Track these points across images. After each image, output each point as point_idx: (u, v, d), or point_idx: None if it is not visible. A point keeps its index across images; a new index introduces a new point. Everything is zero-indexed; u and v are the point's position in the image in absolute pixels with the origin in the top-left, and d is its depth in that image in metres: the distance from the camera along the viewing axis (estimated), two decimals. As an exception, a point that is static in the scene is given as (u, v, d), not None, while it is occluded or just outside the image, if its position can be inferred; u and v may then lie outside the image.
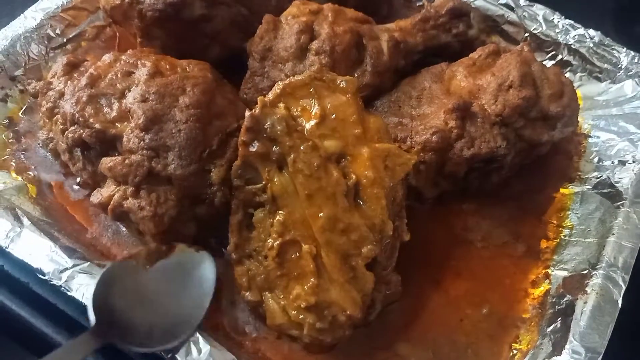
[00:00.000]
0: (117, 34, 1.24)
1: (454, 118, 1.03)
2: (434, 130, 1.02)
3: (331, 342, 0.87)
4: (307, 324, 0.85)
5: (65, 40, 1.24)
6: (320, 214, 0.84)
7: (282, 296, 0.87)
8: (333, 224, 0.85)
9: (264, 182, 0.87)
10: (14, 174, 1.08)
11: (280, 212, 0.86)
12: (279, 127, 0.86)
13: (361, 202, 0.87)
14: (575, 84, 1.23)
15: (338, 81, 0.91)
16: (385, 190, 0.88)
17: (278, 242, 0.85)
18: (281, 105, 0.88)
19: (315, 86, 0.90)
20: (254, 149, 0.86)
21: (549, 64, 1.28)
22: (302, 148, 0.86)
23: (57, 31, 1.23)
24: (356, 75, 1.11)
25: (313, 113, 0.88)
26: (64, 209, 1.05)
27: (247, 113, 0.87)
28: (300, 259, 0.85)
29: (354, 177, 0.86)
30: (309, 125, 0.87)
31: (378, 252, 0.86)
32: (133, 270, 0.92)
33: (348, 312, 0.84)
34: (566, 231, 1.09)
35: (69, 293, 0.89)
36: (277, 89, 0.89)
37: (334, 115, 0.88)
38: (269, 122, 0.86)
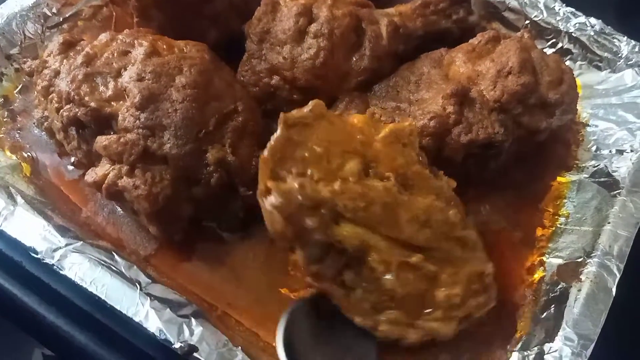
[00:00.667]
0: (114, 14, 1.22)
1: (451, 103, 1.02)
2: (432, 116, 1.02)
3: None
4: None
5: (61, 20, 1.22)
6: (401, 225, 0.85)
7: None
8: (417, 222, 0.86)
9: (338, 245, 0.85)
10: (8, 153, 1.08)
11: (370, 256, 0.85)
12: (307, 195, 0.82)
13: (413, 186, 0.88)
14: (575, 73, 1.22)
15: (298, 114, 0.87)
16: (418, 162, 0.90)
17: (390, 276, 0.85)
18: (288, 177, 0.83)
19: (290, 136, 0.86)
20: (313, 228, 0.83)
21: (549, 51, 1.27)
22: (337, 188, 0.84)
23: (54, 10, 1.22)
24: (354, 59, 1.10)
25: (313, 157, 0.85)
26: (58, 188, 1.05)
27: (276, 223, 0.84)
28: (417, 271, 0.87)
29: (391, 174, 0.87)
30: (322, 168, 0.84)
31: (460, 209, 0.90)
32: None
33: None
34: (562, 219, 1.08)
35: (61, 272, 0.88)
36: (265, 167, 0.84)
37: (329, 144, 0.86)
38: (296, 202, 0.82)
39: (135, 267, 0.92)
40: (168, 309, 0.87)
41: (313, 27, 1.08)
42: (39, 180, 1.05)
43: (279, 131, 0.84)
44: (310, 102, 0.87)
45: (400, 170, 0.88)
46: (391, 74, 1.15)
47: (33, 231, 0.91)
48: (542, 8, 1.29)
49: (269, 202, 0.82)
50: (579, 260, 1.00)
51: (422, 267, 0.87)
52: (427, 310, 0.89)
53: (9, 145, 1.09)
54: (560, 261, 1.02)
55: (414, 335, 0.88)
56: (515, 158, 1.12)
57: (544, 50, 1.26)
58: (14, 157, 1.07)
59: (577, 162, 1.15)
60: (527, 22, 1.29)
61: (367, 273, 0.86)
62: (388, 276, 0.85)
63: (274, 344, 0.92)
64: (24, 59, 1.16)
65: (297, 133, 0.85)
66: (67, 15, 1.23)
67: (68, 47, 1.04)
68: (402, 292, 0.86)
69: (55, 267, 0.89)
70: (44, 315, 0.92)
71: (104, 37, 1.03)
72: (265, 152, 0.83)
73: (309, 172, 0.83)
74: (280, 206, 0.81)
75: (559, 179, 1.14)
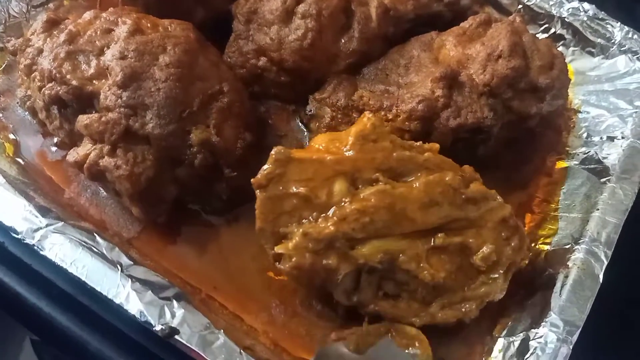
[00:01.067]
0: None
1: (440, 87, 1.00)
2: (420, 99, 1.00)
3: None
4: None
5: (46, -1, 1.20)
6: (411, 217, 0.86)
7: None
8: (423, 207, 0.87)
9: (365, 267, 0.86)
10: (-9, 132, 1.06)
11: (398, 260, 0.85)
12: (315, 240, 0.83)
13: (402, 173, 0.89)
14: (568, 59, 1.21)
15: (265, 173, 0.87)
16: (395, 148, 0.90)
17: (425, 268, 0.86)
18: (289, 233, 0.85)
19: (269, 195, 0.86)
20: (335, 265, 0.84)
21: (541, 37, 1.24)
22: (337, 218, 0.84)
23: (39, -12, 1.19)
24: (343, 41, 1.09)
25: (301, 202, 0.86)
26: (41, 169, 1.03)
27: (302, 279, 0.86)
28: (445, 250, 0.88)
29: (377, 174, 0.88)
30: (314, 206, 0.86)
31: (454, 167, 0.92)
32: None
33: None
34: (552, 206, 1.08)
35: (41, 252, 0.87)
36: (265, 236, 0.86)
37: (308, 181, 0.87)
38: (308, 252, 0.83)
39: (117, 248, 0.91)
40: (149, 291, 0.86)
41: (301, 8, 1.06)
42: (22, 160, 1.04)
43: (257, 198, 0.85)
44: (272, 151, 0.87)
45: (383, 166, 0.88)
46: (381, 56, 1.13)
47: (14, 211, 0.90)
48: (536, -8, 1.27)
49: (286, 266, 0.83)
50: (567, 246, 0.99)
51: (449, 244, 0.88)
52: (473, 280, 0.89)
53: (-8, 125, 1.07)
54: (547, 247, 1.01)
55: (472, 307, 0.89)
56: (505, 143, 1.10)
57: (537, 35, 1.25)
58: (-4, 136, 1.05)
59: (567, 148, 1.14)
60: (520, 6, 1.28)
61: (403, 276, 0.86)
62: (423, 269, 0.85)
63: (258, 328, 0.92)
64: (8, 38, 1.14)
65: (274, 188, 0.86)
66: (51, -4, 1.21)
67: (52, 25, 1.02)
68: (442, 276, 0.87)
69: (35, 247, 0.87)
70: (25, 296, 0.91)
71: (87, 15, 1.01)
72: (257, 223, 0.85)
73: (304, 218, 0.85)
74: (297, 264, 0.83)
75: (549, 165, 1.13)
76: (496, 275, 0.90)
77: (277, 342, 0.92)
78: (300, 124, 1.13)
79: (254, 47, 1.08)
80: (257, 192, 0.85)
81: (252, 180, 0.85)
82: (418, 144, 0.93)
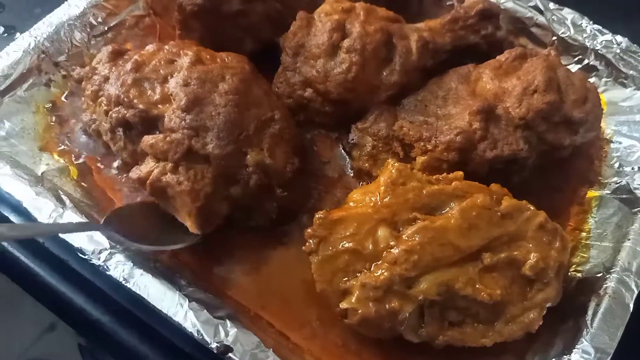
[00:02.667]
0: (158, 25, 1.28)
1: (478, 120, 1.06)
2: (458, 131, 1.06)
3: None
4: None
5: (106, 29, 1.28)
6: (456, 245, 0.92)
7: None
8: (464, 233, 0.92)
9: (426, 302, 0.91)
10: (56, 156, 1.14)
11: (455, 287, 0.90)
12: (374, 288, 0.90)
13: (436, 207, 0.96)
14: (600, 89, 1.25)
15: (312, 244, 0.95)
16: (425, 185, 0.97)
17: (481, 289, 0.91)
18: (349, 287, 0.92)
19: (322, 258, 0.94)
20: (398, 307, 0.90)
21: (575, 68, 1.30)
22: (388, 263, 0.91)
23: (99, 19, 1.28)
24: (385, 74, 1.15)
25: (352, 256, 0.93)
26: (103, 191, 1.11)
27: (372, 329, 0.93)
28: (495, 268, 0.94)
29: (414, 214, 0.94)
30: (365, 257, 0.93)
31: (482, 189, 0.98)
32: None
33: None
34: (583, 234, 1.11)
35: (107, 272, 0.94)
36: (328, 296, 0.94)
37: (353, 236, 0.95)
38: (371, 301, 0.90)
39: (173, 268, 0.98)
40: (205, 310, 0.92)
41: (346, 43, 1.12)
42: (85, 183, 1.12)
43: (312, 263, 0.94)
44: (315, 217, 0.96)
45: (417, 204, 0.95)
46: (419, 87, 1.19)
47: (80, 233, 0.98)
48: (570, 25, 1.31)
49: (354, 320, 0.90)
50: (599, 275, 1.03)
51: (497, 261, 0.93)
52: (528, 290, 0.94)
53: (57, 149, 1.15)
54: (580, 275, 1.05)
55: (535, 316, 0.94)
56: (538, 172, 1.15)
57: (570, 66, 1.30)
58: (62, 160, 1.13)
59: (599, 177, 1.18)
60: (554, 38, 1.32)
61: (463, 302, 0.92)
62: (479, 291, 0.91)
63: (303, 346, 0.98)
64: (72, 66, 1.22)
65: (324, 250, 0.94)
66: (111, 25, 1.29)
67: (117, 55, 1.11)
68: (499, 293, 0.92)
69: (101, 267, 0.94)
70: (90, 313, 0.98)
71: (150, 47, 1.09)
72: (317, 286, 0.93)
73: (358, 271, 0.92)
74: (364, 315, 0.89)
75: (581, 193, 1.17)
76: (548, 280, 0.95)
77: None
78: (342, 151, 1.19)
79: (300, 78, 1.15)
80: (310, 257, 0.94)
81: (303, 248, 0.95)
82: (442, 176, 1.00)
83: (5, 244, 1.04)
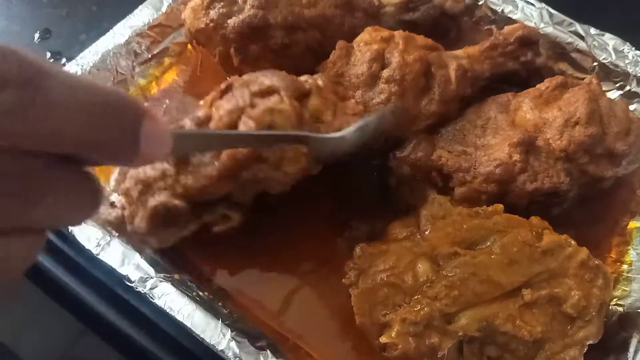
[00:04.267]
0: (200, 54, 1.31)
1: (518, 152, 1.05)
2: (498, 163, 1.06)
3: None
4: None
5: (150, 56, 1.31)
6: (497, 281, 0.92)
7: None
8: (505, 269, 0.93)
9: (465, 337, 0.92)
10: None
11: (494, 323, 0.91)
12: (414, 323, 0.90)
13: (477, 241, 0.96)
14: (642, 116, 1.24)
15: (352, 276, 0.97)
16: (464, 219, 0.98)
17: (521, 326, 0.91)
18: (388, 321, 0.92)
19: (361, 291, 0.95)
20: (438, 343, 0.90)
21: (616, 94, 1.29)
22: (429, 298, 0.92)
23: (143, 47, 1.31)
24: (423, 103, 1.15)
25: (391, 289, 0.94)
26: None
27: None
28: (536, 305, 0.93)
29: (455, 248, 0.95)
30: (404, 291, 0.94)
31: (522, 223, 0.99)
32: None
33: None
34: (625, 266, 1.10)
35: (152, 300, 0.97)
36: (367, 330, 0.95)
37: (392, 269, 0.96)
38: (411, 336, 0.90)
39: (216, 297, 1.01)
40: (246, 340, 0.94)
41: (385, 73, 1.13)
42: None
43: (352, 296, 0.95)
44: (354, 251, 0.98)
45: (457, 239, 0.95)
46: (457, 115, 1.19)
47: (128, 261, 1.01)
48: (611, 50, 1.30)
49: (393, 354, 0.91)
50: (640, 310, 1.02)
51: (537, 298, 0.93)
52: (569, 327, 0.94)
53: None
54: (621, 310, 1.04)
55: (575, 353, 0.93)
56: (578, 201, 1.14)
57: (611, 92, 1.29)
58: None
59: (641, 207, 1.17)
60: (595, 64, 1.31)
61: (502, 338, 0.92)
62: (520, 327, 0.91)
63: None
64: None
65: (364, 283, 0.95)
66: (155, 52, 1.32)
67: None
68: (539, 330, 0.91)
69: (147, 295, 0.97)
70: (135, 338, 1.01)
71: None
72: (357, 319, 0.94)
73: (398, 305, 0.93)
74: (403, 350, 0.90)
75: (622, 224, 1.16)
76: (590, 318, 0.94)
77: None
78: (380, 179, 1.20)
79: (339, 108, 1.16)
80: (350, 290, 0.95)
81: (343, 280, 0.96)
82: (482, 208, 1.00)
83: (50, 267, 1.07)
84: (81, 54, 1.26)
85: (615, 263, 1.11)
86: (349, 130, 0.97)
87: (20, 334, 1.09)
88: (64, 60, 1.39)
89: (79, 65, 1.24)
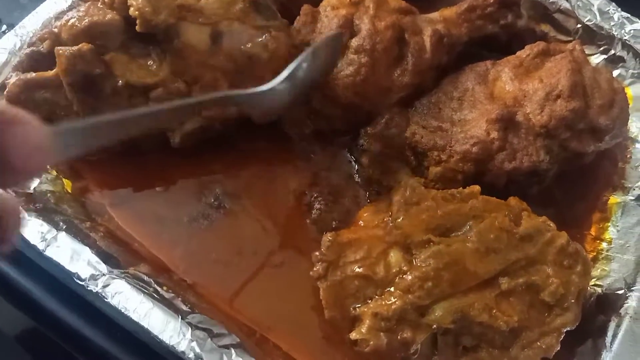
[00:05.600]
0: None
1: (496, 129, 0.99)
2: (475, 141, 0.99)
3: None
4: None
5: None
6: (473, 271, 0.87)
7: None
8: (481, 257, 0.88)
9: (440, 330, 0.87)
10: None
11: (471, 314, 0.86)
12: (386, 317, 0.85)
13: (452, 228, 0.91)
14: (626, 82, 1.18)
15: (319, 269, 0.91)
16: (439, 204, 0.92)
17: (498, 315, 0.87)
18: (359, 315, 0.88)
19: (330, 283, 0.89)
20: (411, 337, 0.86)
21: (600, 58, 1.22)
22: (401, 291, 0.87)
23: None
24: (396, 74, 1.07)
25: (362, 281, 0.89)
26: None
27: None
28: (513, 293, 0.89)
29: (428, 235, 0.89)
30: (376, 283, 0.88)
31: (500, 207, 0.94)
32: None
33: None
34: (604, 244, 1.06)
35: (105, 300, 0.90)
36: (337, 324, 0.90)
37: (363, 260, 0.90)
38: (382, 331, 0.86)
39: (176, 292, 0.94)
40: (209, 339, 0.88)
41: (354, 42, 1.04)
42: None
43: (320, 289, 0.88)
44: (322, 241, 0.91)
45: (432, 225, 0.89)
46: (432, 86, 1.11)
47: (77, 257, 0.93)
48: (596, 11, 1.21)
49: (365, 350, 0.86)
50: (619, 292, 0.98)
51: (514, 286, 0.89)
52: (546, 315, 0.90)
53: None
54: (599, 291, 1.00)
55: (552, 341, 0.90)
56: (557, 176, 1.09)
57: (595, 56, 1.22)
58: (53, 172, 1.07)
59: (623, 181, 1.12)
60: (579, 25, 1.22)
61: (478, 328, 0.87)
62: (496, 317, 0.86)
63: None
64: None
65: (333, 275, 0.89)
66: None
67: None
68: (516, 320, 0.87)
69: (100, 294, 0.90)
70: (89, 336, 0.95)
71: None
72: (326, 313, 0.88)
73: (369, 298, 0.87)
74: (375, 346, 0.85)
75: (603, 200, 1.11)
76: (568, 305, 0.91)
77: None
78: (350, 157, 1.12)
79: (306, 81, 1.07)
80: (318, 283, 0.87)
81: (310, 273, 0.89)
82: (458, 191, 0.94)
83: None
84: (20, 23, 1.13)
85: (594, 241, 1.07)
86: (276, 81, 0.91)
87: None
88: (4, 27, 1.26)
89: (18, 36, 1.12)
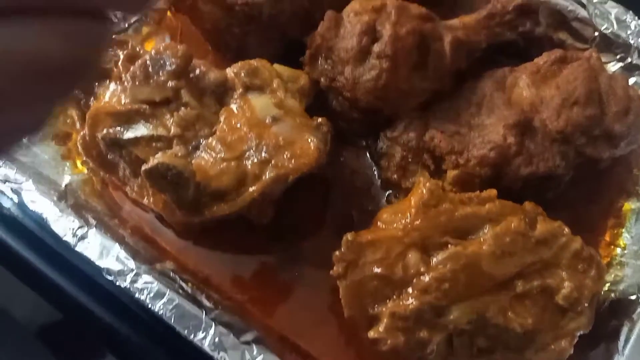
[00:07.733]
0: (180, 23, 1.23)
1: (513, 134, 1.01)
2: (492, 146, 1.01)
3: None
4: None
5: (127, 25, 1.23)
6: (489, 273, 0.89)
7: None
8: (498, 260, 0.89)
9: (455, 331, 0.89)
10: (79, 165, 1.11)
11: (486, 315, 0.88)
12: (404, 317, 0.87)
13: (469, 230, 0.92)
14: (643, 90, 1.19)
15: (339, 268, 0.92)
16: (457, 206, 0.94)
17: (513, 318, 0.89)
18: (377, 314, 0.90)
19: (350, 283, 0.91)
20: (428, 337, 0.88)
21: (616, 66, 1.23)
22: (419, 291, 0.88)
23: (119, 15, 1.22)
24: (416, 79, 1.08)
25: (381, 281, 0.90)
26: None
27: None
28: (528, 296, 0.91)
29: (446, 238, 0.91)
30: (394, 283, 0.90)
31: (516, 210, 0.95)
32: None
33: None
34: (618, 250, 1.08)
35: (135, 295, 0.93)
36: (356, 322, 0.92)
37: (381, 260, 0.91)
38: (400, 330, 0.88)
39: (200, 289, 0.97)
40: (231, 335, 0.92)
41: (376, 47, 1.06)
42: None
43: (340, 288, 0.90)
44: (343, 242, 0.92)
45: (449, 228, 0.91)
46: (451, 91, 1.13)
47: (106, 252, 0.96)
48: (613, 20, 1.22)
49: (383, 349, 0.88)
50: (633, 297, 1.00)
51: (530, 289, 0.91)
52: (560, 318, 0.92)
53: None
54: (612, 296, 1.02)
55: (565, 345, 0.92)
56: (573, 181, 1.10)
57: (612, 64, 1.22)
58: (85, 170, 1.11)
59: (637, 188, 1.13)
60: (596, 33, 1.24)
61: (493, 330, 0.89)
62: (511, 320, 0.89)
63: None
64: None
65: (352, 275, 0.91)
66: (132, 21, 1.23)
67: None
68: (532, 321, 0.90)
69: (128, 289, 0.94)
70: (118, 330, 0.98)
71: None
72: (345, 312, 0.90)
73: (387, 298, 0.89)
74: (393, 346, 0.87)
75: (617, 206, 1.12)
76: (582, 309, 0.92)
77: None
78: (370, 159, 1.15)
79: (328, 84, 1.10)
80: (338, 282, 0.91)
81: (331, 272, 0.92)
82: (475, 194, 0.96)
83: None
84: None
85: (608, 246, 1.09)
86: None
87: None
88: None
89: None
